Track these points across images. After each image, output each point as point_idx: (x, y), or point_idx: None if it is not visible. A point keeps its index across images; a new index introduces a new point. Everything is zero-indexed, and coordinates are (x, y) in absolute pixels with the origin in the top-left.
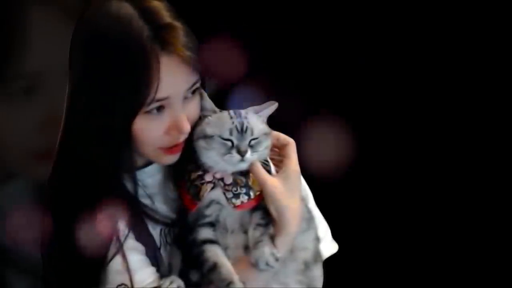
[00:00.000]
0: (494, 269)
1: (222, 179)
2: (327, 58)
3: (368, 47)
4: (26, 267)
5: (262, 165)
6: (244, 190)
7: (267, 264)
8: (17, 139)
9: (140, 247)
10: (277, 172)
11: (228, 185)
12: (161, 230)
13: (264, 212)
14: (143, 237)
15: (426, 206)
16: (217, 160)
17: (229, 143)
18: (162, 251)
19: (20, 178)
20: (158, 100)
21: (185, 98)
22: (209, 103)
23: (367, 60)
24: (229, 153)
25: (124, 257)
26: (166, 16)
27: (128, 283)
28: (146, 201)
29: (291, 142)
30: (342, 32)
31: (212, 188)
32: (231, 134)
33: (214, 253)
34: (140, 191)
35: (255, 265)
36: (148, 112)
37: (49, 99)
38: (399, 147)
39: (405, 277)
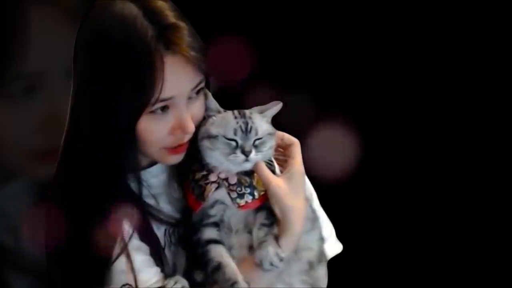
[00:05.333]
0: (495, 269)
1: (226, 179)
2: (332, 59)
3: (375, 48)
4: (26, 267)
5: (266, 165)
6: (248, 190)
7: (271, 264)
8: (17, 139)
9: (144, 247)
10: (281, 172)
11: (233, 185)
12: (165, 230)
13: (268, 212)
14: (148, 237)
15: (431, 207)
16: (222, 160)
17: (234, 143)
18: (166, 251)
19: (20, 178)
20: (162, 100)
21: (190, 98)
22: (213, 103)
23: (374, 61)
24: (234, 153)
25: (128, 257)
26: (170, 16)
27: (132, 283)
28: (150, 201)
29: (295, 142)
30: (348, 32)
31: (217, 188)
32: (235, 134)
33: (219, 253)
34: (145, 191)
35: (259, 265)
36: (153, 112)
37: (49, 99)
38: (404, 149)
39: (409, 278)
